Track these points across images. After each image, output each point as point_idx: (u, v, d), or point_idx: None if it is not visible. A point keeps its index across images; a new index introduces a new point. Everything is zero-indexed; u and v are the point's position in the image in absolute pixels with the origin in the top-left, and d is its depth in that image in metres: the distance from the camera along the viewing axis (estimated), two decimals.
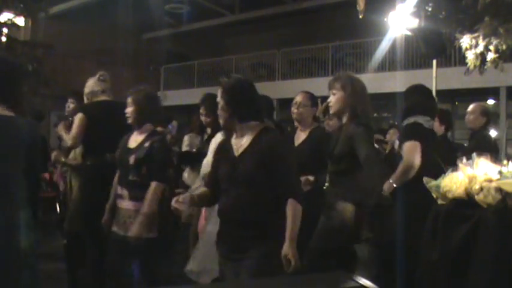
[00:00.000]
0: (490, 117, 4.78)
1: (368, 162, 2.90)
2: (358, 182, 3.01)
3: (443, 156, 3.28)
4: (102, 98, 4.01)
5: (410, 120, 3.39)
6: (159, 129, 3.94)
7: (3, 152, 2.37)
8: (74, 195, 4.16)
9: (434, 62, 7.37)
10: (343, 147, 3.05)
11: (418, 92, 3.69)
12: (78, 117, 3.85)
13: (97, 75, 4.06)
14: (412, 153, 3.15)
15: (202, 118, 4.00)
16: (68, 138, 3.93)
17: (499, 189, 2.25)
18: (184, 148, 4.77)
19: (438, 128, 4.48)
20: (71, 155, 4.31)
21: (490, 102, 12.68)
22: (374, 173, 2.96)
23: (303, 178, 3.09)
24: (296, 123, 3.76)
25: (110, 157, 3.61)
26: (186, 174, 4.41)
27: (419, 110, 3.43)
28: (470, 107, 4.74)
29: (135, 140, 3.24)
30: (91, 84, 4.06)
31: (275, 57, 15.55)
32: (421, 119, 3.37)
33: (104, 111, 3.89)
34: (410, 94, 3.67)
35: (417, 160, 3.13)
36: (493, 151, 4.30)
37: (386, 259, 3.44)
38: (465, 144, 5.54)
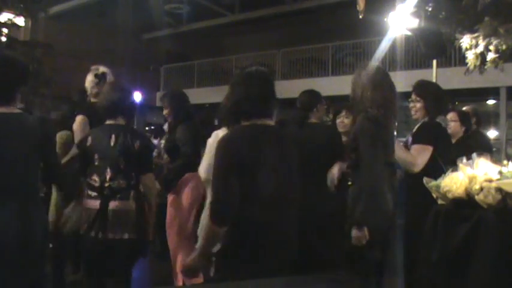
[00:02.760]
0: (479, 116, 4.95)
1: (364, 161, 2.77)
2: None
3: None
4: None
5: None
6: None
7: (18, 149, 2.39)
8: None
9: (434, 62, 7.34)
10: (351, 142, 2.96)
11: (437, 89, 3.55)
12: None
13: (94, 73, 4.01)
14: (419, 155, 3.09)
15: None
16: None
17: (499, 189, 2.25)
18: None
19: (458, 129, 4.42)
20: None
21: (490, 102, 12.68)
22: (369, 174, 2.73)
23: None
24: None
25: None
26: None
27: (440, 110, 3.37)
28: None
29: None
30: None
31: (275, 57, 15.55)
32: (438, 119, 3.32)
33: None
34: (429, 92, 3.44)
35: (419, 166, 3.07)
36: (487, 149, 4.30)
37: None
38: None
